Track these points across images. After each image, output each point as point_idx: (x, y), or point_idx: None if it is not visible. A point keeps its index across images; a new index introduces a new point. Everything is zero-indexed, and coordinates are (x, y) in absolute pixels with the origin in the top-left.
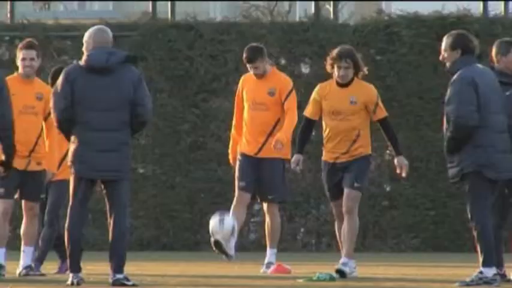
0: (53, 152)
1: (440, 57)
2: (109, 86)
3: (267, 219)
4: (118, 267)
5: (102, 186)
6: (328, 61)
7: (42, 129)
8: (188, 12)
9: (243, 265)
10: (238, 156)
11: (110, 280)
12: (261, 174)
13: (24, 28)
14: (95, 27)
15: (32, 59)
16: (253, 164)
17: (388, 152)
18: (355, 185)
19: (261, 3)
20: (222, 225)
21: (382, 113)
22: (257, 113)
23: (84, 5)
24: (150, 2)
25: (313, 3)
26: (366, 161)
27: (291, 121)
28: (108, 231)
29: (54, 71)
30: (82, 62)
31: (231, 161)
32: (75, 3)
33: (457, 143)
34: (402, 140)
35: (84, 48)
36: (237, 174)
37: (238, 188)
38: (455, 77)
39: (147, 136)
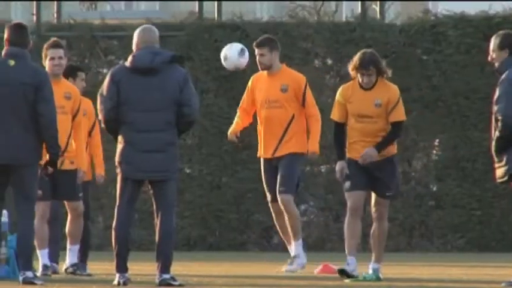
0: (81, 151)
1: (489, 58)
2: (154, 86)
3: (286, 215)
4: (164, 267)
5: (149, 187)
6: (351, 67)
7: (72, 128)
8: (234, 12)
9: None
10: (261, 162)
11: (157, 280)
12: (279, 171)
13: (71, 28)
14: (142, 26)
15: (60, 58)
16: (270, 166)
17: (434, 152)
18: (387, 193)
19: (307, 3)
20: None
21: (397, 116)
22: (272, 111)
23: (131, 5)
24: (197, 2)
25: (359, 3)
26: (393, 162)
27: (317, 127)
28: (154, 232)
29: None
30: (127, 63)
31: (228, 136)
32: (122, 3)
33: (505, 143)
34: (448, 140)
35: (133, 48)
36: (264, 182)
37: (269, 201)
38: (503, 76)
39: (193, 136)
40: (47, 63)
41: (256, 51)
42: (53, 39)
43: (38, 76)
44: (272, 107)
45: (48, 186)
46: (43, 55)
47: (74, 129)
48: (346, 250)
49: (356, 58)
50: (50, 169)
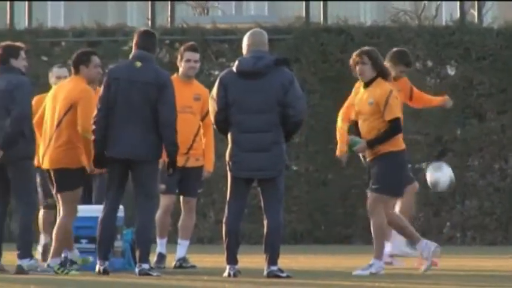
0: (209, 151)
1: None
2: (258, 89)
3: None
4: (272, 260)
5: (257, 183)
6: (351, 62)
7: (199, 127)
8: (339, 16)
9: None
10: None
11: (265, 272)
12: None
13: (184, 32)
14: (252, 30)
15: (195, 61)
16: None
17: None
18: (372, 187)
19: (408, 8)
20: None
21: (389, 114)
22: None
23: (241, 10)
24: (304, 7)
25: (458, 8)
26: (388, 159)
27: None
28: (263, 225)
29: (77, 55)
30: (234, 67)
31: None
32: (233, 8)
33: None
34: None
35: (243, 51)
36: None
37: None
38: None
39: (300, 135)
40: (182, 64)
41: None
42: (191, 42)
43: (160, 77)
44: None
45: (175, 181)
46: (179, 56)
47: (204, 129)
48: None
49: None
50: (171, 170)
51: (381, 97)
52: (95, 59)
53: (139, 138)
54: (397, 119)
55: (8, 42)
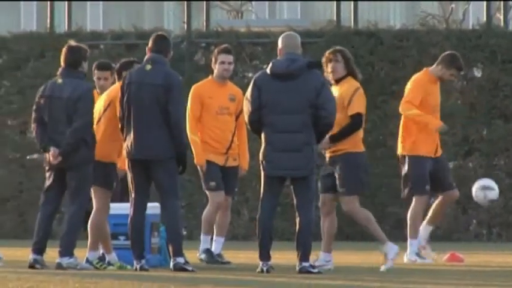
0: (244, 150)
1: None
2: (291, 90)
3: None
4: (304, 256)
5: (290, 182)
6: (324, 60)
7: (235, 127)
8: (369, 20)
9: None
10: (415, 159)
11: (297, 268)
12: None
13: (219, 35)
14: (286, 33)
15: (230, 63)
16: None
17: None
18: (341, 190)
19: (436, 12)
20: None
21: (352, 109)
22: (437, 116)
23: (275, 14)
24: (335, 11)
25: (485, 11)
26: (347, 161)
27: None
28: (295, 223)
29: (120, 64)
30: (268, 69)
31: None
32: (267, 11)
33: None
34: None
35: (277, 53)
36: (422, 177)
37: (423, 194)
38: None
39: None
40: (216, 67)
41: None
42: (225, 45)
43: (168, 79)
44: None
45: (220, 178)
46: (213, 58)
47: (237, 129)
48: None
49: None
50: (180, 168)
51: (347, 93)
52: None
53: (154, 138)
54: (358, 115)
55: (77, 44)
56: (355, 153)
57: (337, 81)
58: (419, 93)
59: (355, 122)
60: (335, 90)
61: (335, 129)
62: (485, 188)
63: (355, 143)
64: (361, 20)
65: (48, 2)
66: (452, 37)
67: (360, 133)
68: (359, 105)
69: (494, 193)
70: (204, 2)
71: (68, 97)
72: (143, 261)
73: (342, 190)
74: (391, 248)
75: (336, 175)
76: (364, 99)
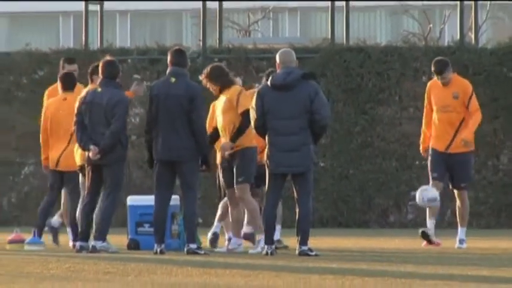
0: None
1: None
2: (289, 99)
3: (458, 203)
4: (303, 241)
5: (291, 178)
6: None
7: None
8: (359, 37)
9: (403, 240)
10: (430, 151)
11: (297, 251)
12: (453, 166)
13: (230, 51)
14: (281, 50)
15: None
16: (443, 158)
17: None
18: (239, 179)
19: (417, 31)
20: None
21: (240, 108)
22: (444, 115)
23: (278, 33)
24: (329, 30)
25: (458, 31)
26: (243, 154)
27: (476, 121)
28: (295, 212)
29: (91, 68)
30: (268, 82)
31: (422, 152)
32: (271, 31)
33: None
34: None
35: (276, 66)
36: (429, 166)
37: (432, 178)
38: None
39: (326, 137)
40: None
41: (438, 77)
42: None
43: (191, 90)
44: (445, 111)
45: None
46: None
47: None
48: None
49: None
50: (205, 167)
51: (232, 96)
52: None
53: (179, 142)
54: (246, 111)
55: (113, 59)
56: (250, 148)
57: (221, 91)
58: None
59: (245, 118)
60: (222, 98)
61: (230, 127)
62: (422, 190)
63: (250, 140)
64: (352, 38)
65: (83, 22)
66: (430, 53)
67: (252, 130)
68: (247, 102)
69: (430, 193)
70: (217, 22)
71: (106, 103)
72: (163, 246)
73: (240, 179)
74: (263, 238)
75: (234, 168)
76: (249, 97)
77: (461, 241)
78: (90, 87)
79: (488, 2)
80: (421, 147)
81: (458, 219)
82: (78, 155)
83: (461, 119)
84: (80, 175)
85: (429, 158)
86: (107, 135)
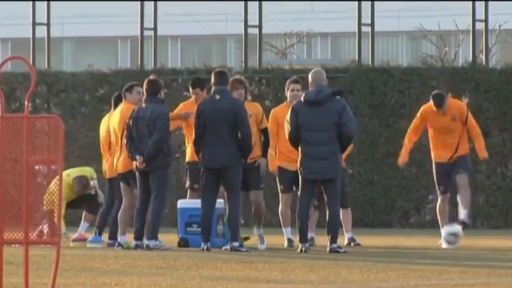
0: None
1: None
2: (321, 114)
3: (460, 190)
4: (333, 239)
5: (321, 183)
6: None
7: None
8: (383, 59)
9: (422, 238)
10: (433, 166)
11: (328, 249)
12: (454, 164)
13: (268, 71)
14: (313, 69)
15: (298, 90)
16: (446, 171)
17: None
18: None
19: (434, 53)
20: None
21: (263, 125)
22: (444, 135)
23: (311, 55)
24: (357, 53)
25: (471, 53)
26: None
27: (479, 136)
28: (325, 214)
29: (115, 96)
30: (302, 98)
31: (400, 164)
32: (305, 53)
33: None
34: None
35: (309, 85)
36: (435, 180)
37: (440, 193)
38: None
39: (354, 147)
40: (288, 94)
41: (437, 109)
42: (294, 77)
43: (234, 105)
44: (444, 133)
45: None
46: (285, 88)
47: None
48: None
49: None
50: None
51: (258, 112)
52: (137, 88)
53: (224, 151)
54: (267, 128)
55: (155, 78)
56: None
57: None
58: None
59: (267, 134)
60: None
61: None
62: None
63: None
64: (376, 60)
65: (139, 46)
66: (446, 73)
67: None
68: (266, 121)
69: (452, 228)
70: (258, 46)
71: (148, 117)
72: (209, 244)
73: (262, 185)
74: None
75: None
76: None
77: (463, 222)
78: (123, 103)
79: (498, 28)
80: (399, 160)
81: (460, 204)
82: (119, 164)
83: (460, 133)
84: (121, 182)
85: (434, 172)
86: (149, 144)
